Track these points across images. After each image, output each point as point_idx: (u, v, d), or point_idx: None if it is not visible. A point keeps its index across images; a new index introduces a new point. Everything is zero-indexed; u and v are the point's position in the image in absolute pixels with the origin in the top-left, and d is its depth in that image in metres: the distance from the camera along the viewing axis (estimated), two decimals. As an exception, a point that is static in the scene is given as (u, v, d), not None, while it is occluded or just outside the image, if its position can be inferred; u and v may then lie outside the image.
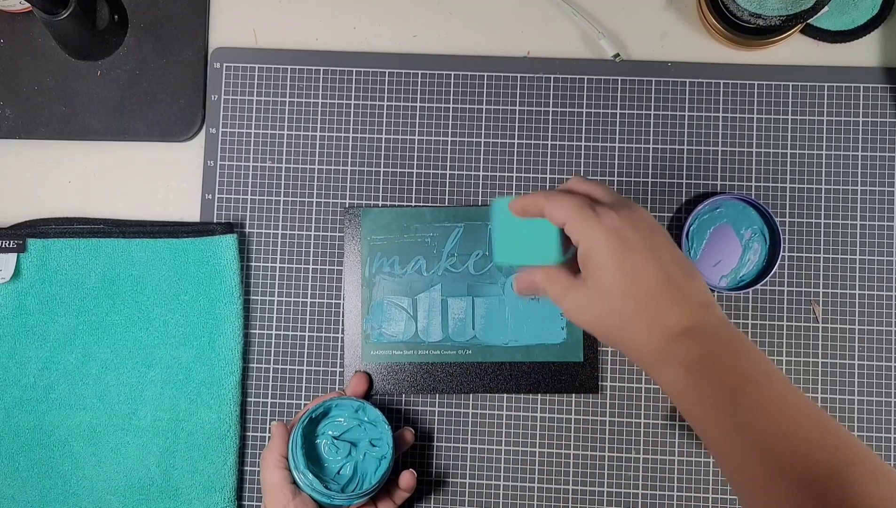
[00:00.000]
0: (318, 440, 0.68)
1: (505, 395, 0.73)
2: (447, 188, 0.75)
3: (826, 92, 0.75)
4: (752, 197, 0.73)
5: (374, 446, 0.68)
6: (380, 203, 0.75)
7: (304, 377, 0.74)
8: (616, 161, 0.75)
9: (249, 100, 0.77)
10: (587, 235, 0.50)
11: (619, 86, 0.76)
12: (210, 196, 0.76)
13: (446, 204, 0.75)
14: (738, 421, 0.46)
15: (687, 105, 0.75)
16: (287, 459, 0.66)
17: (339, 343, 0.74)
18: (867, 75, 0.75)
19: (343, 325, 0.74)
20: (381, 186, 0.76)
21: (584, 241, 0.50)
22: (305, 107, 0.76)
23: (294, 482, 0.65)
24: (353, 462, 0.67)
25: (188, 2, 0.78)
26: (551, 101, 0.76)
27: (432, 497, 0.73)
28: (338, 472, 0.67)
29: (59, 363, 0.73)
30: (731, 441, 0.46)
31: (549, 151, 0.75)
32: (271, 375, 0.74)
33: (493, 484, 0.73)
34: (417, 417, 0.74)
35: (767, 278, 0.72)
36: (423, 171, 0.76)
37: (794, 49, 0.76)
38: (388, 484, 0.69)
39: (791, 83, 0.75)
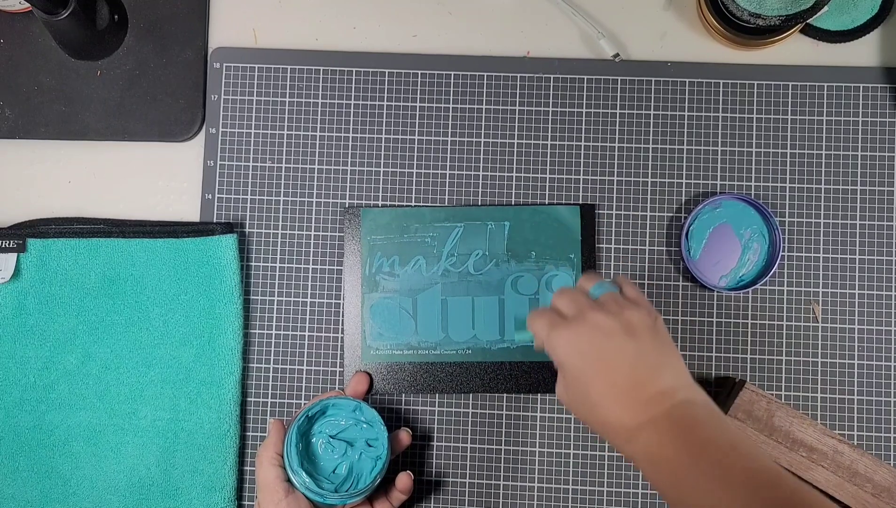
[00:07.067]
0: (314, 439, 0.68)
1: (505, 395, 0.73)
2: (447, 188, 0.75)
3: (826, 92, 0.75)
4: (752, 197, 0.73)
5: (370, 446, 0.68)
6: (380, 203, 0.75)
7: (304, 377, 0.74)
8: (616, 161, 0.75)
9: (249, 100, 0.77)
10: (552, 353, 0.58)
11: (619, 86, 0.76)
12: (210, 196, 0.76)
13: (446, 204, 0.75)
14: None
15: (687, 105, 0.75)
16: (282, 457, 0.66)
17: (339, 343, 0.74)
18: (867, 75, 0.75)
19: (343, 325, 0.74)
20: (381, 186, 0.76)
21: (552, 356, 0.58)
22: (305, 107, 0.76)
23: (288, 480, 0.65)
24: (349, 461, 0.67)
25: (188, 2, 0.78)
26: (551, 101, 0.76)
27: (432, 497, 0.73)
28: (333, 471, 0.67)
29: (59, 363, 0.73)
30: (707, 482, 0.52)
31: (549, 151, 0.75)
32: (271, 375, 0.74)
33: (493, 484, 0.73)
34: (417, 417, 0.74)
35: (767, 278, 0.72)
36: (423, 171, 0.76)
37: (793, 49, 0.76)
38: (385, 486, 0.69)
39: (791, 83, 0.75)
